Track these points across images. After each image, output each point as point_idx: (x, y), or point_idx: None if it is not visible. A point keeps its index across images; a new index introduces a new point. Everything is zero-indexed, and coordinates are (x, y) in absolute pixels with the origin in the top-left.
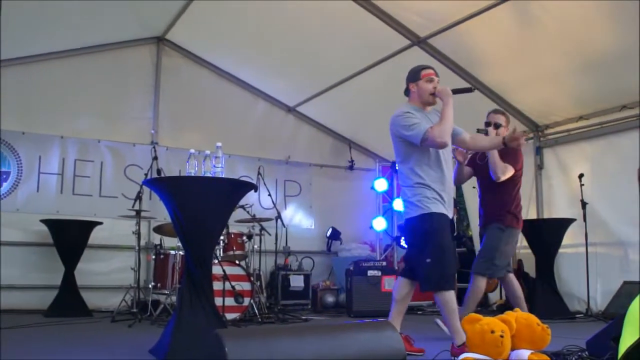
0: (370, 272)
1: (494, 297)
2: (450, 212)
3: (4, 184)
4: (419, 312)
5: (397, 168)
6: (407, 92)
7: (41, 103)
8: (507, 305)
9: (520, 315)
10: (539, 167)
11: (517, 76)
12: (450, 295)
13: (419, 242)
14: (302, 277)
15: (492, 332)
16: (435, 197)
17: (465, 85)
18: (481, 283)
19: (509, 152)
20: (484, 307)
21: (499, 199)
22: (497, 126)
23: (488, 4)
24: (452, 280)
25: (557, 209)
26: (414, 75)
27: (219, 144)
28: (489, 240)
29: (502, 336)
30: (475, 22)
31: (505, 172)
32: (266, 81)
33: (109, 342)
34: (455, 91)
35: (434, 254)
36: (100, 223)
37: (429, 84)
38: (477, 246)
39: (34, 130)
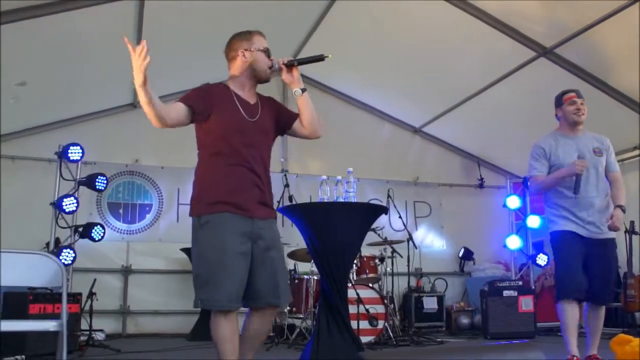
0: (505, 293)
1: None
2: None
3: (147, 216)
4: (559, 334)
5: None
6: (557, 116)
7: (176, 138)
8: None
9: None
10: None
11: None
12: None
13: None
14: (435, 298)
15: None
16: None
17: None
18: None
19: None
20: (632, 327)
21: None
22: None
23: (619, 5)
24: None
25: None
26: (558, 100)
27: (350, 169)
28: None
29: None
30: (604, 26)
31: None
32: (391, 103)
33: None
34: None
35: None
36: None
37: (571, 106)
38: None
39: (171, 164)
